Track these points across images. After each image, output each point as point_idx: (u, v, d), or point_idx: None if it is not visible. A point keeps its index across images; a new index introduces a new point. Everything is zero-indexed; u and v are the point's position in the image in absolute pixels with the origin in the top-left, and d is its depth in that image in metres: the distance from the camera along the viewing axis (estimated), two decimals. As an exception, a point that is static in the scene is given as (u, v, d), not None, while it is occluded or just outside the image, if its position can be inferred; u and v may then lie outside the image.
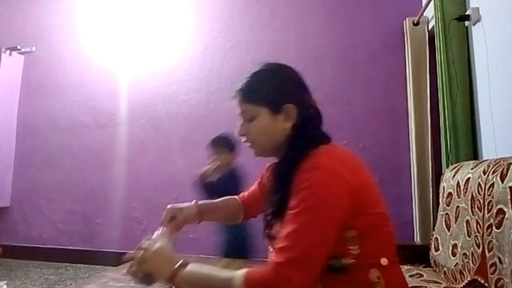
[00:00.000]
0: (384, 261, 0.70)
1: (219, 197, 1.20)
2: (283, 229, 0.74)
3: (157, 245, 0.82)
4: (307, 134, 0.85)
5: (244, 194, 1.19)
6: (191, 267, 0.77)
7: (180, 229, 1.04)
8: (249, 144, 0.91)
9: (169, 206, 1.07)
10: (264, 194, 1.03)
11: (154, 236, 0.91)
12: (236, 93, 0.90)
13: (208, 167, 1.98)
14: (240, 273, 0.71)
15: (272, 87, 0.88)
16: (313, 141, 0.83)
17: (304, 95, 0.91)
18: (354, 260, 0.75)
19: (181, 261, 0.78)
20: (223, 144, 2.05)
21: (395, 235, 0.83)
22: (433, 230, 1.59)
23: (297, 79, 0.92)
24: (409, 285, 0.88)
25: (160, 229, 0.97)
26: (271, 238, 0.84)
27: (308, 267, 0.70)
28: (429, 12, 2.30)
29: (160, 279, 0.78)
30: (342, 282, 0.75)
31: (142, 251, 0.81)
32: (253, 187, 1.17)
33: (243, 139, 0.92)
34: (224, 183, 1.95)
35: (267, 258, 0.86)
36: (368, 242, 0.76)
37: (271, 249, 0.86)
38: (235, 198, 1.18)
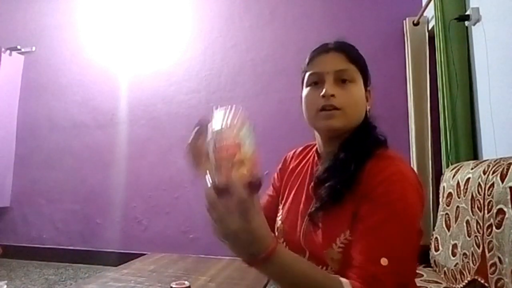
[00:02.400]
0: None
1: None
2: (373, 242, 0.67)
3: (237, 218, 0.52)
4: (375, 130, 0.82)
5: None
6: (282, 257, 0.58)
7: None
8: (335, 109, 0.76)
9: None
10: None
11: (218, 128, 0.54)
12: (339, 47, 0.82)
13: None
14: (345, 281, 0.62)
15: (366, 65, 0.85)
16: (382, 141, 0.81)
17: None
18: None
19: (269, 249, 0.55)
20: None
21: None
22: (433, 230, 1.59)
23: None
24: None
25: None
26: (314, 223, 0.76)
27: (406, 284, 0.69)
28: (429, 12, 2.31)
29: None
30: None
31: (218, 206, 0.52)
32: (265, 201, 0.99)
33: (329, 101, 0.76)
34: None
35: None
36: None
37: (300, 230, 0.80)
38: None
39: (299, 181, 0.89)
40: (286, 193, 0.91)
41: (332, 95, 0.76)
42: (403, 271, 0.66)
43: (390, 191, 0.69)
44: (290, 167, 0.95)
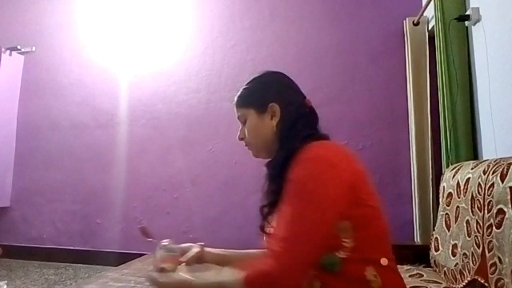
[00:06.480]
0: (384, 261, 0.69)
1: None
2: (277, 222, 0.76)
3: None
4: (298, 131, 0.88)
5: None
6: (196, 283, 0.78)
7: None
8: (248, 146, 0.99)
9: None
10: None
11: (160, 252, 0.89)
12: (235, 100, 1.00)
13: None
14: (240, 274, 0.72)
15: (257, 89, 0.98)
16: (307, 137, 0.86)
17: (290, 94, 0.96)
18: (348, 254, 0.75)
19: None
20: None
21: (388, 232, 0.83)
22: (433, 230, 1.60)
23: (283, 81, 0.99)
24: (409, 285, 0.88)
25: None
26: (268, 233, 0.86)
27: (302, 255, 0.71)
28: (429, 12, 2.30)
29: None
30: (339, 279, 0.75)
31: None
32: None
33: (244, 142, 0.99)
34: None
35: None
36: (361, 235, 0.76)
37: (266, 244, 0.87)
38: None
39: None
40: None
41: (241, 138, 0.99)
42: (308, 248, 0.71)
43: (297, 170, 0.76)
44: None
